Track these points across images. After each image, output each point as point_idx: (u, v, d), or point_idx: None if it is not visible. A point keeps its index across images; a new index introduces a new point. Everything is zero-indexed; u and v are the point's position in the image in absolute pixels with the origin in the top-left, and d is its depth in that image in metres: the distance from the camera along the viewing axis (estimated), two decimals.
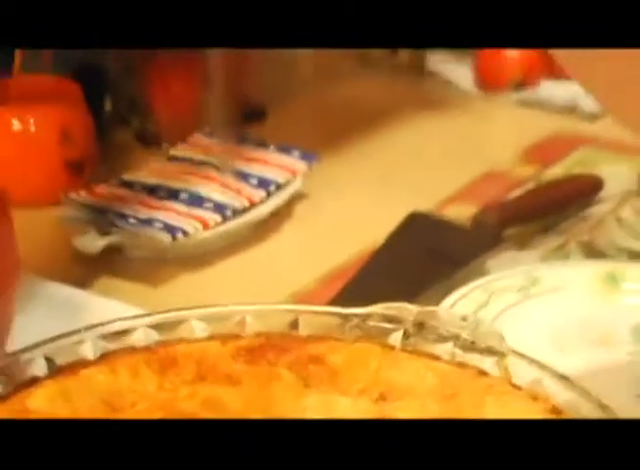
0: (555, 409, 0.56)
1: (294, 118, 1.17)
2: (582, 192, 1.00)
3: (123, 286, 0.87)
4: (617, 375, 0.59)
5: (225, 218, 0.92)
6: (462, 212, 0.96)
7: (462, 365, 0.60)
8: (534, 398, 0.57)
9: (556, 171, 1.06)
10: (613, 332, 0.80)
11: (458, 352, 0.60)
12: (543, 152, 1.12)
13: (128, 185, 0.95)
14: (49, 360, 0.59)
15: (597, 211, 0.99)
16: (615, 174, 1.04)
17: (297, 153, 1.00)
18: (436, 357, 0.61)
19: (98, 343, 0.60)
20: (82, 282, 0.87)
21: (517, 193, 1.00)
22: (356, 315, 0.63)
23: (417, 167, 1.07)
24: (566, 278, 0.84)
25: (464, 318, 0.62)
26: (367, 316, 0.62)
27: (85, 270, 0.89)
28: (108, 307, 0.79)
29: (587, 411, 0.55)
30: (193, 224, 0.90)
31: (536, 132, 1.15)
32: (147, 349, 0.61)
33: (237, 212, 0.93)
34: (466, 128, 1.18)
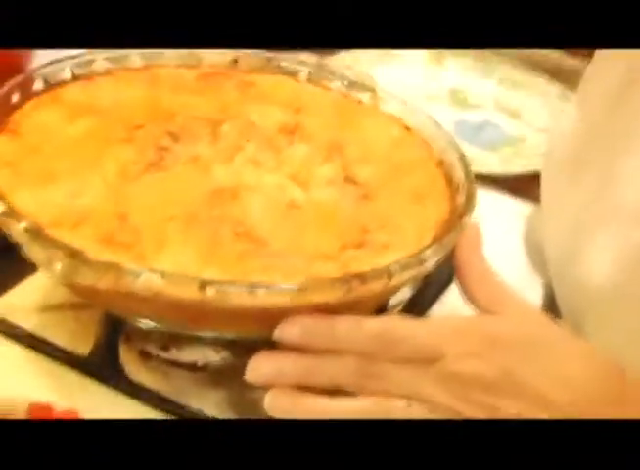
0: (406, 127, 0.65)
1: None
2: None
3: None
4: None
5: None
6: None
7: (347, 96, 0.68)
8: (391, 117, 0.66)
9: None
10: (435, 93, 0.91)
11: (344, 88, 0.68)
12: None
13: None
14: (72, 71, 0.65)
15: None
16: None
17: None
18: (330, 89, 0.68)
19: (106, 63, 0.66)
20: None
21: None
22: (276, 58, 0.69)
23: None
24: (406, 55, 0.93)
25: (348, 66, 0.72)
26: (284, 59, 0.69)
27: None
28: None
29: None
30: None
31: None
32: (140, 69, 0.68)
33: None
34: None
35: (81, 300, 0.59)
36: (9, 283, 0.62)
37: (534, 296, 0.66)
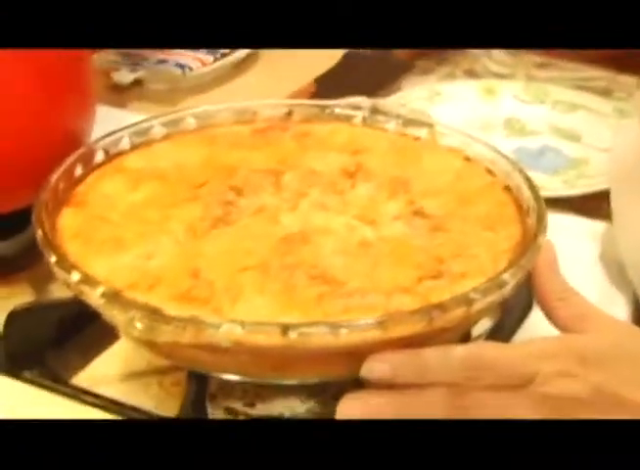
0: (467, 158, 0.65)
1: None
2: None
3: (148, 107, 0.94)
4: None
5: (216, 59, 1.00)
6: None
7: (403, 134, 0.68)
8: (451, 150, 0.66)
9: None
10: (491, 123, 0.91)
11: (400, 126, 0.69)
12: None
13: None
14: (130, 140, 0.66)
15: (474, 49, 1.06)
16: None
17: None
18: (386, 131, 0.68)
19: (163, 129, 0.68)
20: (119, 105, 0.94)
21: None
22: (330, 106, 0.70)
23: None
24: (457, 90, 0.94)
25: (402, 104, 0.72)
26: (337, 106, 0.70)
27: (120, 97, 0.96)
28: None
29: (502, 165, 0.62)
30: (195, 63, 0.98)
31: None
32: (196, 130, 0.68)
33: (223, 55, 1.00)
34: None
35: (164, 364, 0.59)
36: (92, 354, 0.62)
37: (619, 313, 0.65)
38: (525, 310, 0.62)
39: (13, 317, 0.61)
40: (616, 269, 0.68)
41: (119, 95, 0.96)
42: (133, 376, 0.62)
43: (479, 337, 0.61)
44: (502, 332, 0.61)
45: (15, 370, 0.59)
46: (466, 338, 0.58)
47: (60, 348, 0.62)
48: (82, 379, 0.61)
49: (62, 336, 0.62)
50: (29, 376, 0.59)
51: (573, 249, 0.69)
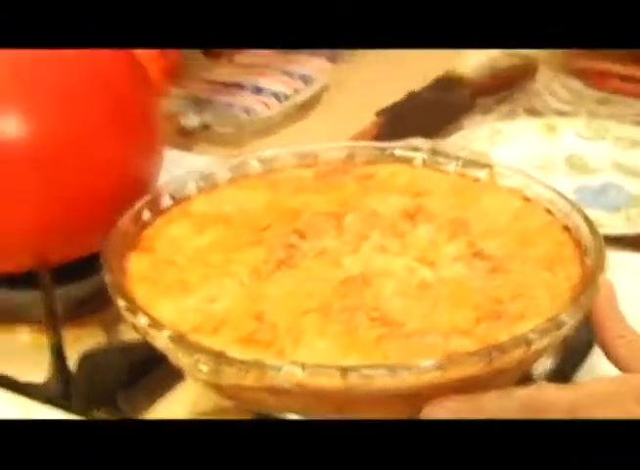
0: (526, 198, 0.65)
1: None
2: (525, 74, 1.08)
3: (214, 150, 0.96)
4: None
5: (280, 102, 1.01)
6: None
7: (463, 175, 0.69)
8: (510, 190, 0.66)
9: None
10: (552, 161, 0.91)
11: (459, 168, 0.69)
12: None
13: (210, 82, 1.04)
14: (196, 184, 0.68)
15: (535, 86, 1.07)
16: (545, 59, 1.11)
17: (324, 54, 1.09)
18: (446, 172, 0.69)
19: (227, 173, 0.69)
20: (187, 148, 0.96)
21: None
22: (391, 147, 0.71)
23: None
24: (518, 129, 0.94)
25: (463, 147, 0.73)
26: (397, 147, 0.71)
27: (188, 140, 0.98)
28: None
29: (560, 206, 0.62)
30: (260, 106, 1.00)
31: None
32: (260, 174, 0.70)
33: (287, 97, 1.02)
34: None
35: (229, 404, 0.60)
36: (159, 395, 0.64)
37: None
38: (586, 350, 0.62)
39: (85, 359, 0.63)
40: None
41: (186, 139, 0.98)
42: (200, 416, 0.63)
43: (540, 376, 0.61)
44: (563, 372, 0.61)
45: (85, 410, 0.60)
46: (526, 378, 0.58)
47: (129, 389, 0.63)
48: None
49: (131, 378, 0.63)
50: (99, 416, 0.60)
51: (635, 287, 0.69)
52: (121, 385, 0.63)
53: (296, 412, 0.54)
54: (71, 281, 0.70)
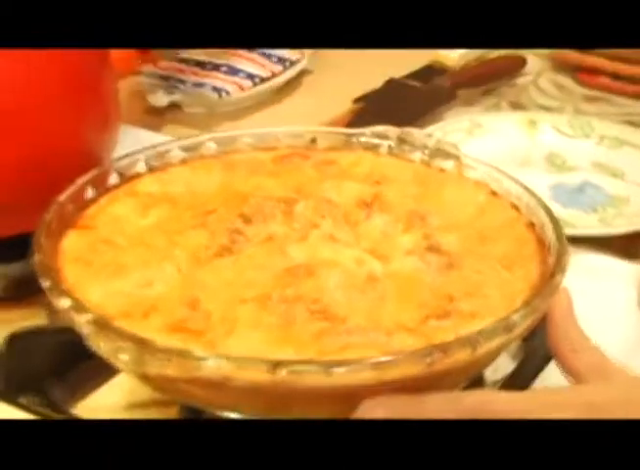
0: (492, 192, 0.62)
1: None
2: (511, 67, 1.05)
3: (182, 131, 0.92)
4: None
5: (255, 84, 0.98)
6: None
7: (429, 165, 0.66)
8: (476, 183, 0.63)
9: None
10: (531, 157, 0.88)
11: (425, 157, 0.66)
12: None
13: (184, 60, 1.01)
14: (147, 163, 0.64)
15: (521, 80, 1.04)
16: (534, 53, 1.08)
17: None
18: (411, 161, 0.66)
19: (181, 152, 0.66)
20: (155, 128, 0.93)
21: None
22: (356, 134, 0.68)
23: None
24: (499, 122, 0.91)
25: (429, 134, 0.69)
26: (363, 134, 0.68)
27: (156, 119, 0.95)
28: None
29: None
30: (232, 87, 0.96)
31: None
32: (216, 155, 0.66)
33: (263, 80, 0.99)
34: None
35: (164, 396, 0.57)
36: (95, 384, 0.60)
37: None
38: (548, 357, 0.59)
39: (13, 340, 0.59)
40: None
41: (155, 118, 0.95)
42: (134, 407, 0.60)
43: (496, 382, 0.58)
44: (520, 380, 0.58)
45: (11, 395, 0.57)
46: (477, 383, 0.55)
47: (61, 376, 0.60)
48: (83, 409, 0.59)
49: (63, 364, 0.60)
50: (26, 403, 0.57)
51: (610, 292, 0.66)
52: (53, 371, 0.59)
53: (226, 409, 0.51)
54: (12, 260, 0.67)
